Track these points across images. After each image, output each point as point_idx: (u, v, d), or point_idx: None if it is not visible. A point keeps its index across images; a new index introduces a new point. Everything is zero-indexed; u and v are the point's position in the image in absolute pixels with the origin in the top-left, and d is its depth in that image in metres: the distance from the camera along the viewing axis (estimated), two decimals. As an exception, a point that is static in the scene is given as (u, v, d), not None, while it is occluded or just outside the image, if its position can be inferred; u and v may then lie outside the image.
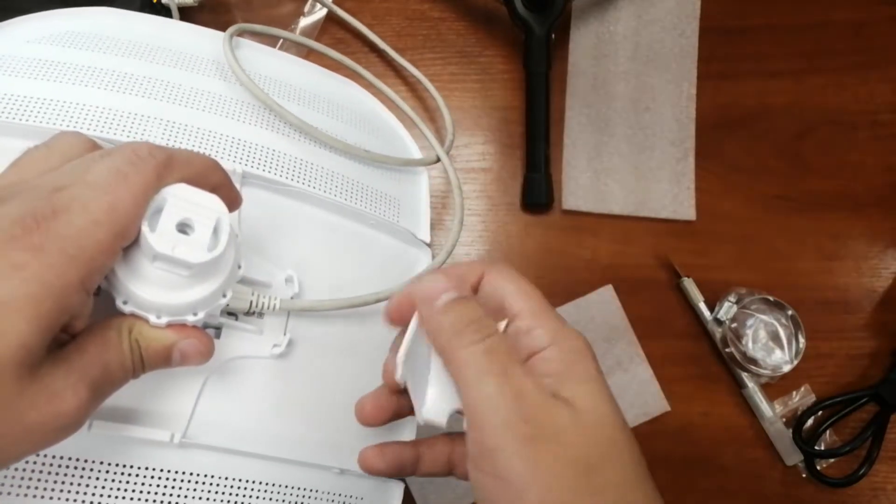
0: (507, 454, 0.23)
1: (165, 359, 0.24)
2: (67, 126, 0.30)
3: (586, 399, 0.24)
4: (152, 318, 0.23)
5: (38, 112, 0.30)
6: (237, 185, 0.31)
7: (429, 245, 0.38)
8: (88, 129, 0.30)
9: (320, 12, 0.49)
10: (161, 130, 0.31)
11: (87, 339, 0.22)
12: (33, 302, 0.19)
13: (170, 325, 0.24)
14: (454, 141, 0.46)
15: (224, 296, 0.25)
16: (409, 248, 0.38)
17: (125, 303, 0.23)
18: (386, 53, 0.50)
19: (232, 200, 0.25)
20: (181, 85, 0.33)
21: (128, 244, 0.22)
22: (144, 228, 0.22)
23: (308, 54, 0.46)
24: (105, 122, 0.30)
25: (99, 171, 0.21)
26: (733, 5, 0.54)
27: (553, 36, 0.50)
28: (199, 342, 0.25)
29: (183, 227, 0.23)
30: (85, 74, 0.32)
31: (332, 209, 0.35)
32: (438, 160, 0.41)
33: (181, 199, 0.23)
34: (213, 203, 0.23)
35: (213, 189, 0.24)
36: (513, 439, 0.23)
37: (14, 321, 0.19)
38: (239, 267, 0.26)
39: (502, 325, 0.27)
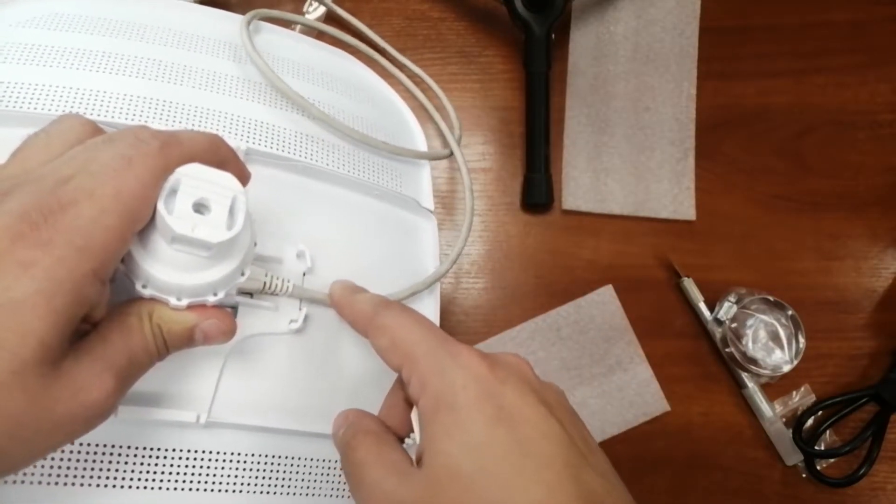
0: None
1: (188, 340, 0.24)
2: (66, 111, 0.29)
3: (436, 455, 0.23)
4: (172, 301, 0.23)
5: (35, 98, 0.29)
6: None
7: (432, 212, 0.38)
8: (87, 113, 0.30)
9: (318, 11, 0.49)
10: (161, 111, 0.31)
11: (109, 328, 0.22)
12: (46, 298, 0.19)
13: (190, 307, 0.24)
14: (461, 137, 0.46)
15: (243, 274, 0.25)
16: (414, 216, 0.38)
17: (144, 286, 0.23)
18: (387, 52, 0.50)
19: (241, 176, 0.25)
20: (186, 65, 0.33)
21: (140, 228, 0.22)
22: (162, 210, 0.22)
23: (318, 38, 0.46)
24: (104, 106, 0.30)
25: (102, 159, 0.21)
26: (733, 5, 0.54)
27: (553, 36, 0.50)
28: (220, 322, 0.24)
29: (199, 207, 0.23)
30: (79, 57, 0.31)
31: (336, 182, 0.34)
32: (451, 154, 0.41)
33: (196, 179, 0.22)
34: (228, 181, 0.23)
35: (220, 165, 0.24)
36: None
37: (29, 320, 0.19)
38: (255, 244, 0.26)
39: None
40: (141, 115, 0.30)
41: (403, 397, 0.28)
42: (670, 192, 0.50)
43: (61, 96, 0.30)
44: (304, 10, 0.48)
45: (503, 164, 0.51)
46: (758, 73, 0.53)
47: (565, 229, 0.50)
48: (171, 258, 0.23)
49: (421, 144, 0.42)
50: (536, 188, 0.49)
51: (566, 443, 0.23)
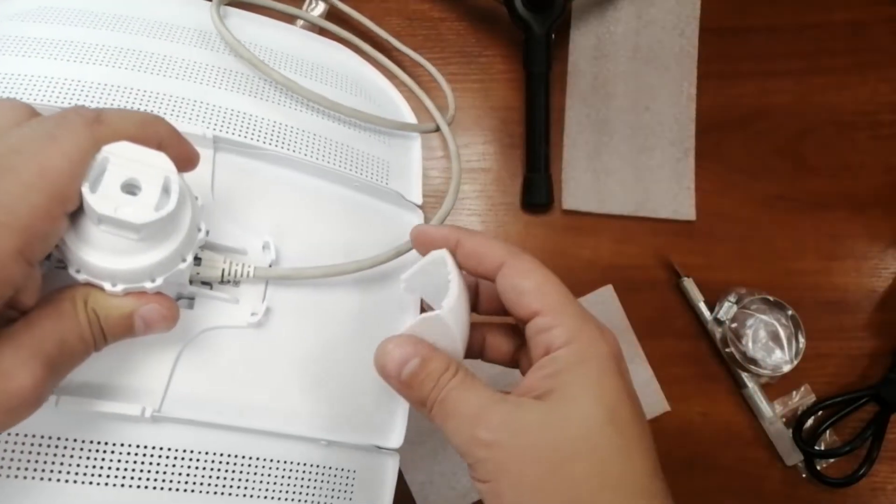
0: (478, 464, 0.24)
1: (127, 328, 0.23)
2: (22, 98, 0.28)
3: (573, 396, 0.25)
4: (107, 286, 0.22)
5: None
6: (209, 151, 0.30)
7: (420, 207, 0.37)
8: (39, 100, 0.29)
9: (320, 7, 0.49)
10: (120, 97, 0.30)
11: (39, 314, 0.21)
12: None
13: (128, 293, 0.23)
14: (455, 116, 0.45)
15: (184, 260, 0.24)
16: (399, 210, 0.36)
17: (78, 271, 0.22)
18: (388, 42, 0.49)
19: (186, 157, 0.24)
20: (153, 53, 0.32)
21: (72, 210, 0.21)
22: (84, 189, 0.21)
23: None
24: (57, 92, 0.29)
25: (25, 135, 0.20)
26: (733, 5, 0.54)
27: (553, 36, 0.50)
28: (160, 307, 0.23)
29: (130, 188, 0.22)
30: (34, 45, 0.31)
31: (312, 172, 0.33)
32: (437, 129, 0.40)
33: (124, 158, 0.22)
34: (159, 160, 0.22)
35: (160, 145, 0.23)
36: (477, 450, 0.24)
37: None
38: (199, 230, 0.25)
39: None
40: (98, 101, 0.29)
41: (510, 332, 0.30)
42: (670, 192, 0.50)
43: (20, 84, 0.29)
44: (305, 8, 0.48)
45: (503, 164, 0.51)
46: (758, 73, 0.53)
47: (565, 229, 0.50)
48: (102, 241, 0.22)
49: (409, 119, 0.41)
50: (536, 188, 0.49)
51: (650, 430, 0.26)
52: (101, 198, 0.21)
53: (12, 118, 0.22)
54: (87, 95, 0.30)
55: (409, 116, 0.41)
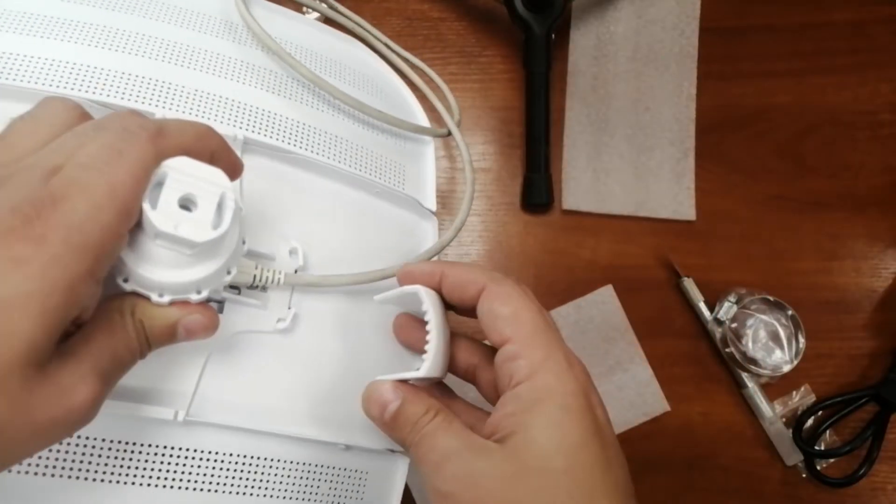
0: None
1: (170, 336, 0.23)
2: (56, 87, 0.28)
3: (531, 441, 0.24)
4: (154, 297, 0.23)
5: (25, 71, 0.28)
6: (238, 152, 0.29)
7: (434, 214, 0.37)
8: (79, 90, 0.28)
9: (320, 8, 0.49)
10: (158, 92, 0.30)
11: (93, 327, 0.21)
12: (39, 298, 0.18)
13: (172, 303, 0.23)
14: (461, 121, 0.45)
15: (228, 273, 0.24)
16: (415, 217, 0.37)
17: (126, 281, 0.22)
18: (388, 45, 0.49)
19: (232, 167, 0.24)
20: (181, 43, 0.32)
21: (133, 224, 0.21)
22: (145, 206, 0.21)
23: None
24: (98, 84, 0.28)
25: (92, 150, 0.20)
26: (733, 5, 0.54)
27: (553, 36, 0.50)
28: (203, 317, 0.24)
29: (185, 203, 0.22)
30: (73, 29, 0.30)
31: (335, 177, 0.33)
32: (449, 133, 0.40)
33: (183, 174, 0.22)
34: (216, 177, 0.22)
35: (210, 156, 0.23)
36: (437, 501, 0.25)
37: (18, 320, 0.18)
38: (243, 243, 0.25)
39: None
40: (136, 96, 0.29)
41: (481, 355, 0.30)
42: (670, 192, 0.50)
43: (51, 70, 0.28)
44: (303, 9, 0.48)
45: (503, 164, 0.51)
46: (758, 73, 0.53)
47: (565, 229, 0.50)
48: (154, 254, 0.22)
49: (422, 121, 0.41)
50: (536, 188, 0.49)
51: (626, 468, 0.26)
52: (161, 214, 0.21)
53: (66, 119, 0.22)
54: (122, 88, 0.29)
55: (424, 120, 0.41)
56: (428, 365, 0.27)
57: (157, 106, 0.29)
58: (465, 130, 0.51)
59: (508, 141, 0.51)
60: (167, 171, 0.21)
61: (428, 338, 0.28)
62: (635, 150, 0.51)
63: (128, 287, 0.22)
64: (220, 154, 0.24)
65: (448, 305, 0.30)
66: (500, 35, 0.53)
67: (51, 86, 0.28)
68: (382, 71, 0.41)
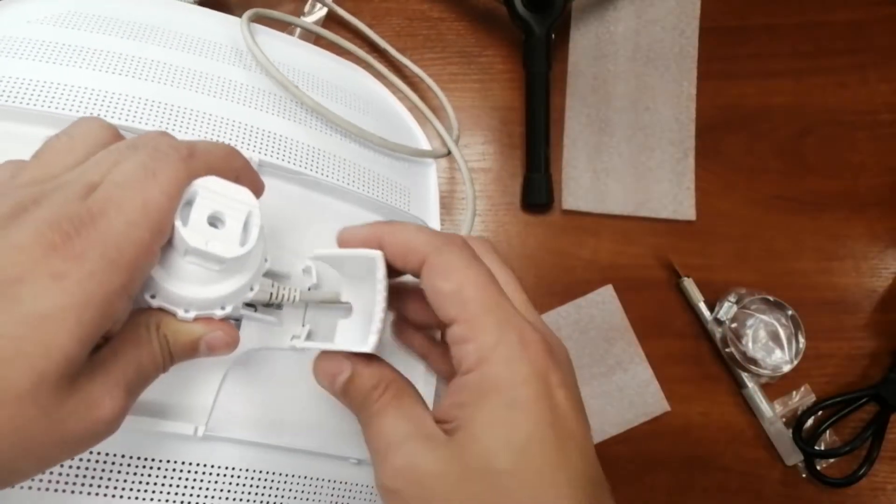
0: None
1: (192, 351, 0.24)
2: (83, 112, 0.29)
3: (476, 437, 0.22)
4: (180, 313, 0.23)
5: (52, 97, 0.29)
6: None
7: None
8: (106, 117, 0.29)
9: (320, 12, 0.49)
10: (178, 118, 0.31)
11: (121, 340, 0.22)
12: (76, 312, 0.19)
13: (196, 319, 0.24)
14: (460, 137, 0.46)
15: (251, 289, 0.25)
16: None
17: (153, 296, 0.23)
18: (387, 52, 0.50)
19: (255, 187, 0.25)
20: (196, 71, 0.33)
21: (164, 241, 0.22)
22: (177, 223, 0.21)
23: (316, 42, 0.46)
24: (122, 110, 0.30)
25: (127, 169, 0.21)
26: (733, 5, 0.54)
27: (553, 36, 0.50)
28: (225, 334, 0.24)
29: (213, 221, 0.23)
30: (95, 57, 0.31)
31: (344, 198, 0.34)
32: (449, 153, 0.41)
33: (212, 192, 0.22)
34: (244, 196, 0.23)
35: (237, 178, 0.24)
36: (384, 495, 0.23)
37: (55, 333, 0.18)
38: (265, 260, 0.26)
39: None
40: (158, 122, 0.30)
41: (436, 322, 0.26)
42: (670, 192, 0.50)
43: (79, 96, 0.29)
44: (305, 10, 0.48)
45: (503, 164, 0.51)
46: (758, 73, 0.53)
47: (565, 229, 0.50)
48: (183, 270, 0.23)
49: (423, 143, 0.42)
50: (536, 188, 0.49)
51: (594, 460, 0.23)
52: (192, 231, 0.22)
53: (100, 138, 0.23)
54: (145, 114, 0.30)
55: (424, 142, 0.42)
56: (375, 339, 0.25)
57: (177, 130, 0.30)
58: (466, 131, 0.51)
59: (508, 141, 0.51)
60: (198, 190, 0.22)
61: (377, 308, 0.25)
62: (635, 150, 0.51)
63: (154, 303, 0.23)
64: (244, 174, 0.24)
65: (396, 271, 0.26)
66: (500, 35, 0.53)
67: (77, 111, 0.29)
68: (383, 95, 0.43)
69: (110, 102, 0.30)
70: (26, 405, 0.18)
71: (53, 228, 0.19)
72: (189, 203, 0.22)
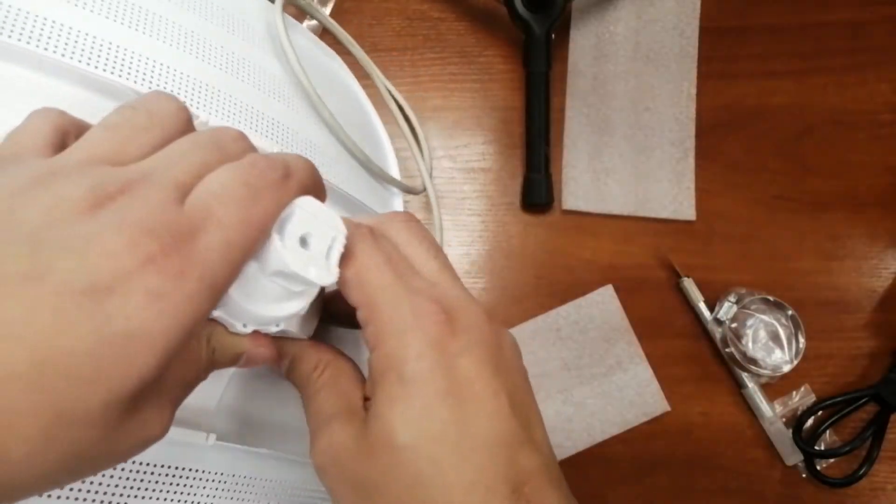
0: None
1: (233, 363, 0.23)
2: (145, 87, 0.26)
3: (379, 416, 0.22)
4: (238, 326, 0.22)
5: (114, 61, 0.26)
6: None
7: None
8: (132, 80, 0.26)
9: (330, 3, 0.49)
10: (238, 113, 0.29)
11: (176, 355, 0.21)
12: (166, 337, 0.17)
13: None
14: (433, 170, 0.48)
15: (305, 308, 0.24)
16: None
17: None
18: (375, 76, 0.49)
19: (323, 200, 0.24)
20: (235, 54, 0.31)
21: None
22: (277, 242, 0.20)
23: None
24: (186, 92, 0.28)
25: (226, 182, 0.19)
26: (733, 5, 0.54)
27: (553, 36, 0.50)
28: (266, 350, 0.23)
29: (301, 241, 0.22)
30: (162, 26, 0.28)
31: (349, 207, 0.35)
32: (424, 190, 0.43)
33: (307, 213, 0.21)
34: (333, 220, 0.22)
35: (315, 194, 0.23)
36: (318, 473, 0.23)
37: (140, 356, 0.17)
38: None
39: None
40: (223, 116, 0.29)
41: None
42: (670, 192, 0.50)
43: (142, 68, 0.26)
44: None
45: (503, 164, 0.51)
46: (758, 73, 0.53)
47: (565, 229, 0.50)
48: (261, 288, 0.21)
49: (392, 164, 0.43)
50: (536, 188, 0.49)
51: (508, 419, 0.22)
52: (292, 253, 0.21)
53: (177, 124, 0.21)
54: (202, 99, 0.28)
55: (395, 171, 0.43)
56: (298, 322, 0.25)
57: (225, 120, 0.29)
58: (466, 131, 0.51)
59: (508, 141, 0.51)
60: (294, 210, 0.21)
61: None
62: (635, 150, 0.51)
63: (214, 313, 0.22)
64: (319, 192, 0.23)
65: None
66: (500, 35, 0.53)
67: (147, 83, 0.26)
68: (367, 109, 0.43)
69: (175, 81, 0.27)
70: (92, 428, 0.17)
71: (153, 237, 0.17)
72: (282, 220, 0.21)
